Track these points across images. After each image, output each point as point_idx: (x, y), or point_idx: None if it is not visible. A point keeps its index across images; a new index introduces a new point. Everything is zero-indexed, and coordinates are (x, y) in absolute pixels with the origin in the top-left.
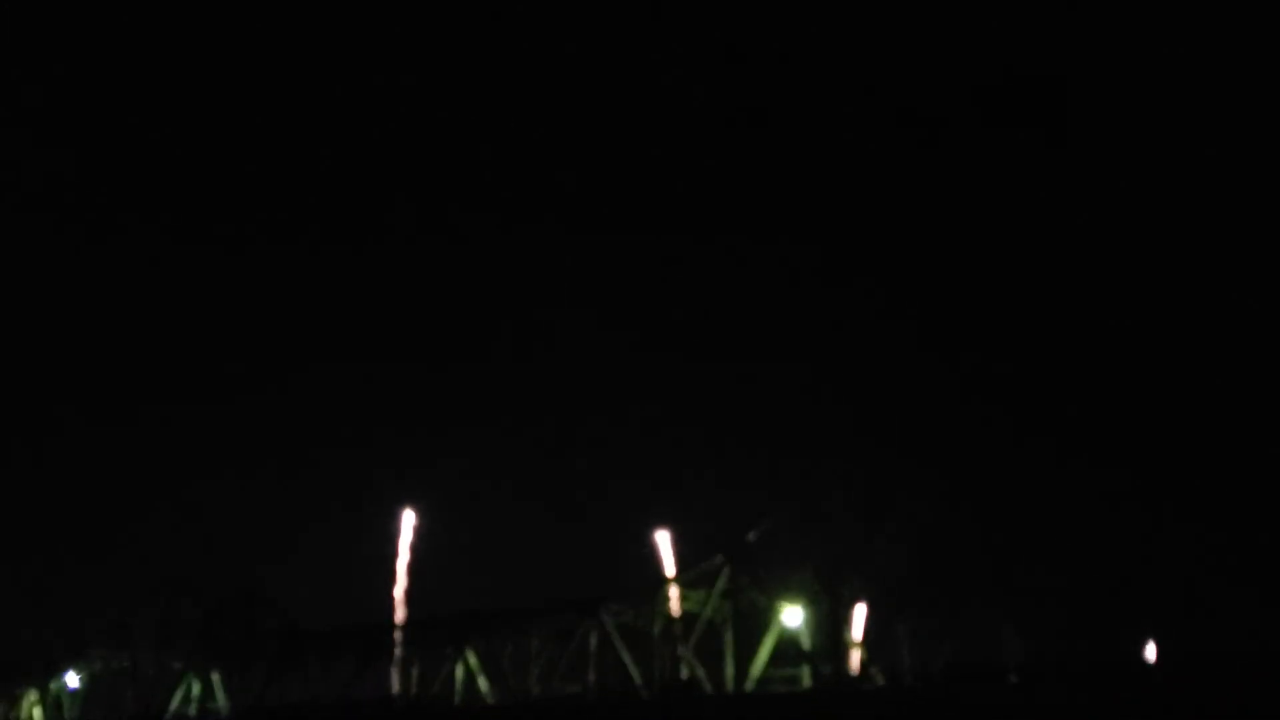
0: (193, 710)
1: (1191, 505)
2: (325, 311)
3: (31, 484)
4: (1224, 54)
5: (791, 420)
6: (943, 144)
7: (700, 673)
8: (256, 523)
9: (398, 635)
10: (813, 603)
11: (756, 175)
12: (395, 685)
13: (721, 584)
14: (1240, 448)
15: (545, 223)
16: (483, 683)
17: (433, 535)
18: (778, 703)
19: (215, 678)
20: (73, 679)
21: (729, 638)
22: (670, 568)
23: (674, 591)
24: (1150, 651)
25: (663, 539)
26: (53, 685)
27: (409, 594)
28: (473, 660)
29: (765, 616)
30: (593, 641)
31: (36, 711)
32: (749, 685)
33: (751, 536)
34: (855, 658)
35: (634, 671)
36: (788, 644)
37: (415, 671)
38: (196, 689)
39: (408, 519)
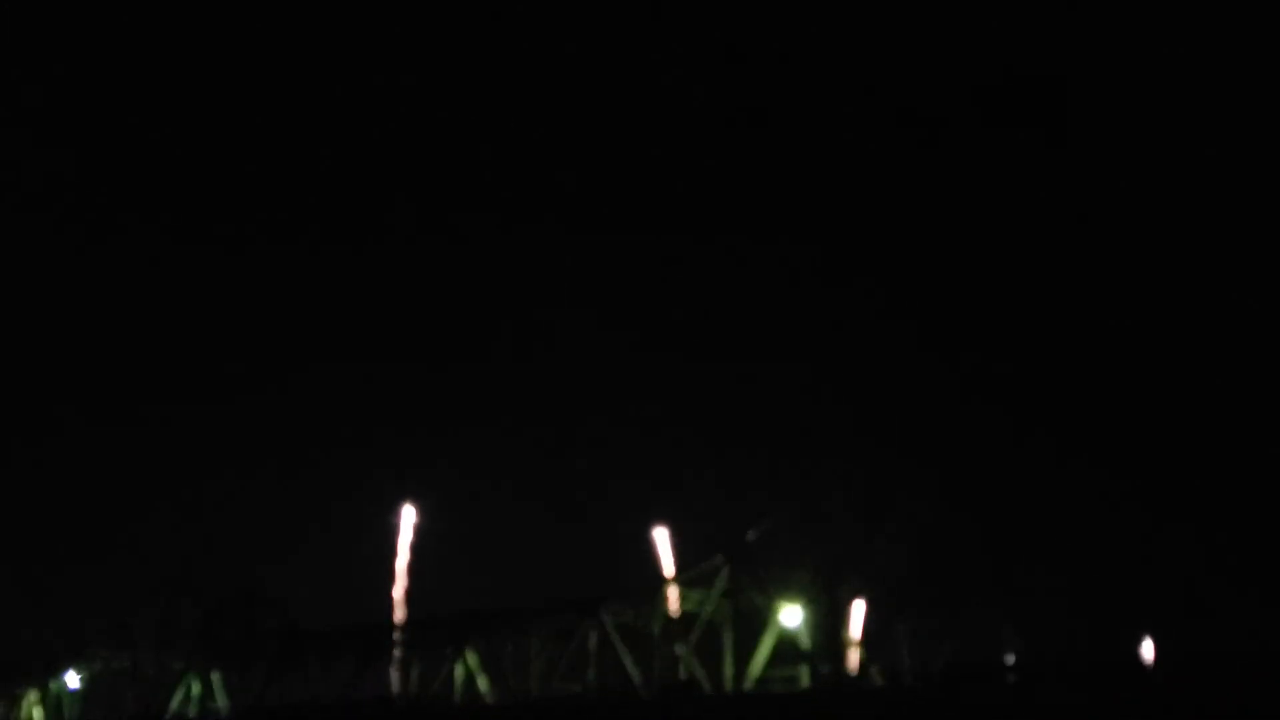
0: (193, 710)
1: (1191, 505)
2: (325, 311)
3: (31, 484)
4: (1224, 54)
5: (791, 420)
6: (943, 144)
7: (700, 672)
8: (256, 523)
9: (398, 635)
10: (812, 602)
11: (756, 175)
12: (395, 685)
13: (721, 584)
14: (1240, 448)
15: (545, 223)
16: (483, 682)
17: (433, 535)
18: (777, 702)
19: (216, 678)
20: (73, 679)
21: (728, 637)
22: (670, 567)
23: (673, 591)
24: (1147, 649)
25: (661, 537)
26: (53, 685)
27: (409, 594)
28: (473, 660)
29: (764, 616)
30: (593, 641)
31: (37, 711)
32: (748, 685)
33: (751, 536)
34: (854, 657)
35: (634, 671)
36: (787, 644)
37: (415, 671)
38: (197, 689)
39: (408, 514)
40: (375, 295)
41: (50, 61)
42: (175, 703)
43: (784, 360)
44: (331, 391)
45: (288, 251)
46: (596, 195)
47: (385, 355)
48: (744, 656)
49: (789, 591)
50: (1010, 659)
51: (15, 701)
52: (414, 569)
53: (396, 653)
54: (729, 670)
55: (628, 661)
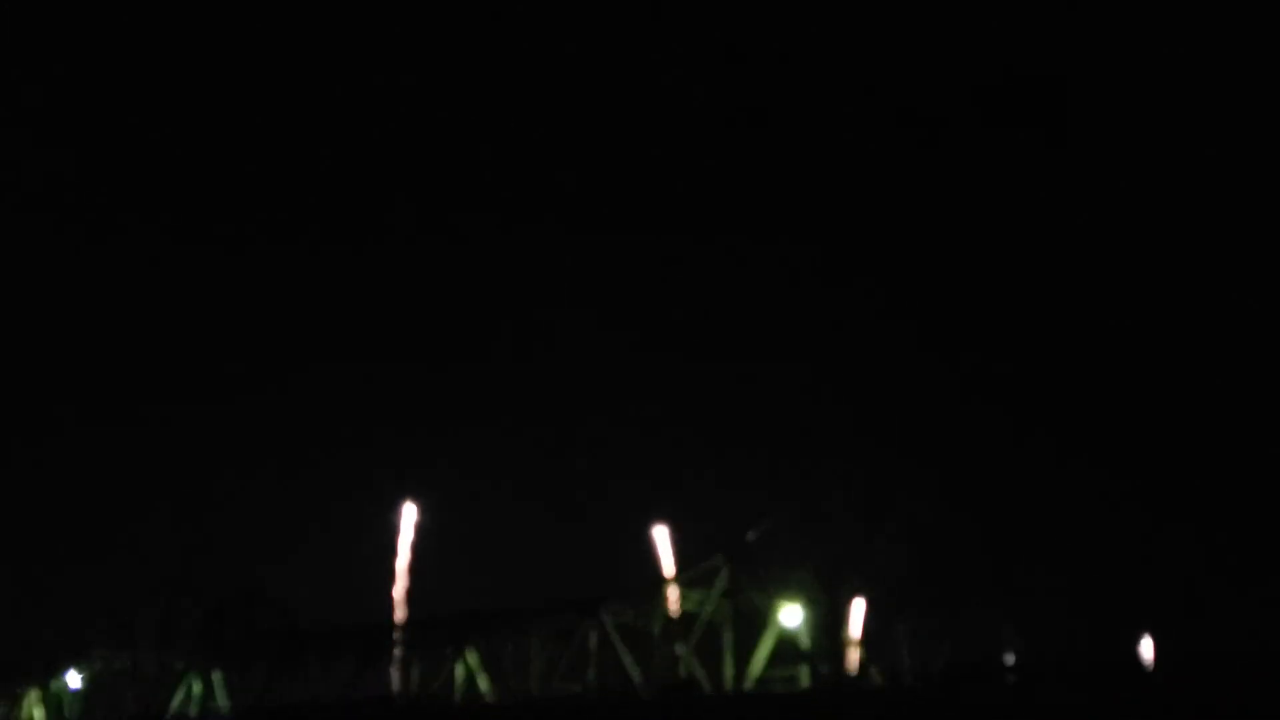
0: (194, 710)
1: (1191, 505)
2: (325, 311)
3: (31, 484)
4: (1224, 54)
5: (791, 420)
6: (943, 144)
7: (700, 672)
8: (256, 523)
9: (398, 635)
10: (812, 602)
11: (756, 175)
12: (395, 685)
13: (721, 584)
14: (1240, 448)
15: (545, 223)
16: (483, 682)
17: (433, 535)
18: (777, 702)
19: (217, 677)
20: (74, 679)
21: (728, 637)
22: (670, 566)
23: (673, 591)
24: (1147, 649)
25: (661, 535)
26: (54, 685)
27: (409, 594)
28: (473, 660)
29: (764, 616)
30: (593, 641)
31: (38, 711)
32: (748, 685)
33: (751, 536)
34: (854, 657)
35: (634, 671)
36: (787, 644)
37: (415, 671)
38: (198, 689)
39: (409, 512)
40: (375, 295)
41: (50, 61)
42: (176, 702)
43: (784, 360)
44: (331, 391)
45: (288, 251)
46: (596, 195)
47: (385, 355)
48: (744, 656)
49: (789, 591)
50: (1010, 659)
51: (16, 701)
52: (414, 569)
53: (397, 653)
54: (729, 670)
55: (628, 661)
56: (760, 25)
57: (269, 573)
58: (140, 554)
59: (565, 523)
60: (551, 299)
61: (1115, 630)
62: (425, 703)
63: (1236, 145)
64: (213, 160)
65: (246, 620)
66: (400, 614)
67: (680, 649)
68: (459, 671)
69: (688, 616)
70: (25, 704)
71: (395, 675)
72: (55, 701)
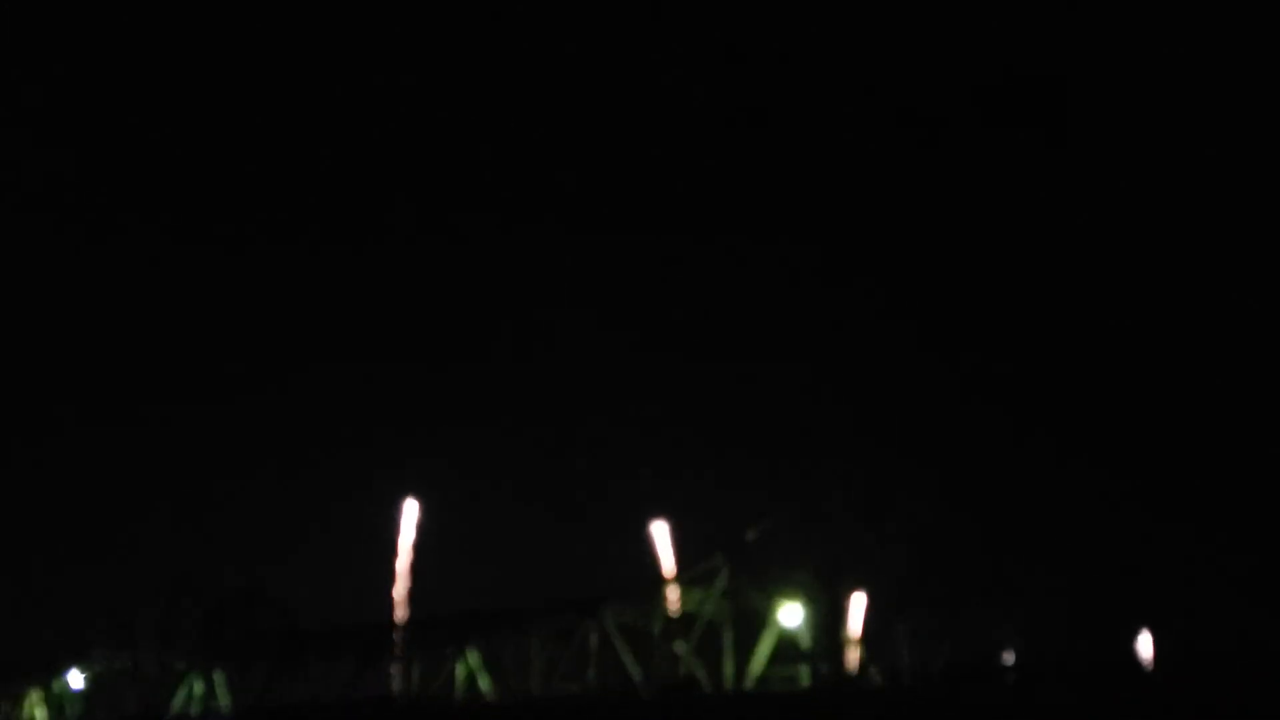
0: (195, 710)
1: (1191, 505)
2: (325, 311)
3: (31, 484)
4: (1224, 54)
5: (791, 420)
6: (943, 144)
7: (700, 672)
8: (257, 523)
9: (398, 635)
10: (812, 602)
11: (756, 175)
12: (396, 685)
13: (721, 583)
14: (1240, 448)
15: (545, 223)
16: (483, 682)
17: (433, 535)
18: (777, 702)
19: (218, 677)
20: (75, 679)
21: (728, 637)
22: (670, 566)
23: (673, 591)
24: (1146, 649)
25: (660, 531)
26: (55, 685)
27: (410, 594)
28: (473, 660)
29: (764, 616)
30: (593, 641)
31: (39, 711)
32: (748, 684)
33: (751, 536)
34: (854, 656)
35: (634, 671)
36: (787, 643)
37: (416, 671)
38: (199, 688)
39: (410, 509)
40: (375, 295)
41: (50, 61)
42: (177, 702)
43: (784, 360)
44: (331, 391)
45: (288, 251)
46: (596, 195)
47: (385, 355)
48: (744, 656)
49: (789, 591)
50: (1010, 658)
51: (17, 701)
52: (415, 568)
53: (397, 653)
54: (729, 670)
55: (628, 661)
56: (760, 25)
57: (269, 573)
58: (140, 554)
59: (565, 523)
60: (551, 299)
61: (1115, 630)
62: (425, 703)
63: (1236, 145)
64: (213, 160)
65: (247, 620)
66: (400, 614)
67: (680, 648)
68: (459, 671)
69: (688, 616)
70: (26, 704)
71: (395, 675)
72: (56, 701)
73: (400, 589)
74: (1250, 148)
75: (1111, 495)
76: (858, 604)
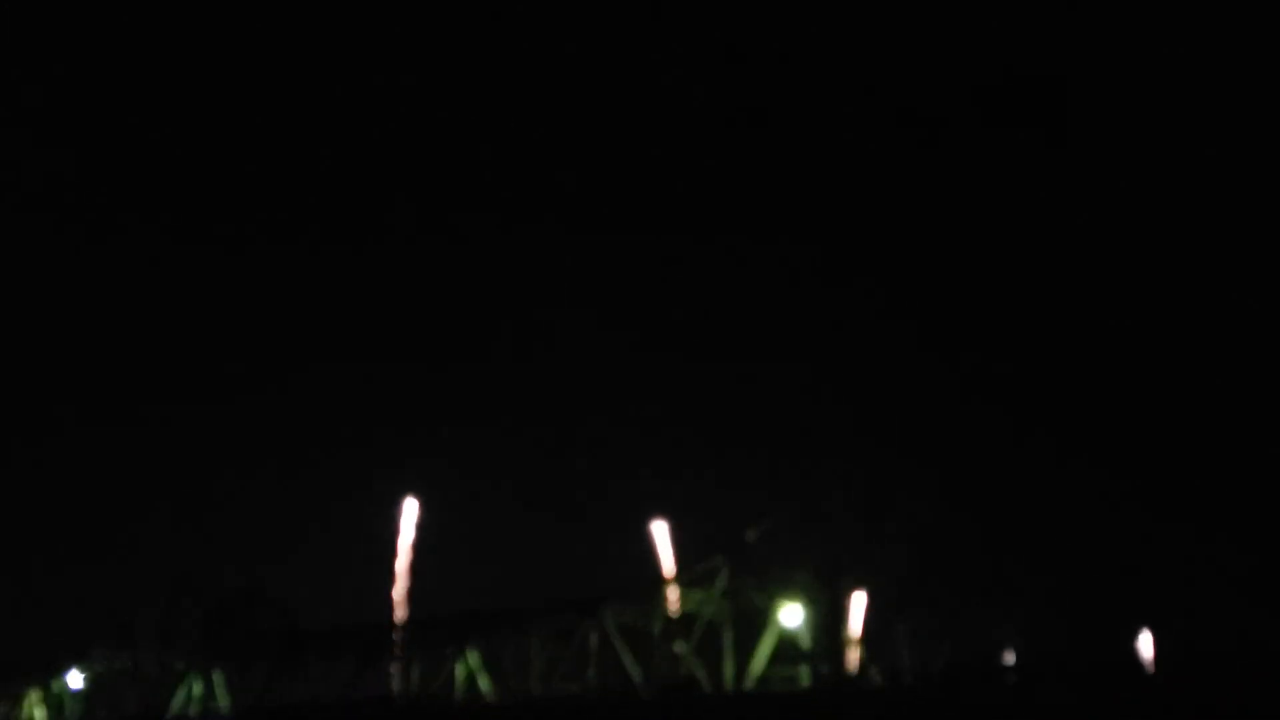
0: (195, 710)
1: (1191, 505)
2: (325, 311)
3: (31, 484)
4: (1224, 54)
5: (791, 420)
6: (943, 144)
7: (700, 672)
8: (256, 523)
9: (398, 635)
10: (812, 602)
11: (756, 175)
12: (396, 685)
13: (721, 584)
14: (1240, 448)
15: (545, 223)
16: (483, 682)
17: (433, 535)
18: (777, 702)
19: (218, 677)
20: (75, 679)
21: (729, 637)
22: (669, 564)
23: (673, 591)
24: (1147, 649)
25: (660, 530)
26: (54, 685)
27: (410, 594)
28: (473, 660)
29: (765, 616)
30: (593, 641)
31: (39, 711)
32: (748, 685)
33: (751, 536)
34: (854, 656)
35: (634, 671)
36: (787, 643)
37: (416, 671)
38: (198, 689)
39: (410, 509)
40: (375, 295)
41: (50, 61)
42: (177, 703)
43: (784, 360)
44: (331, 391)
45: (288, 251)
46: (596, 195)
47: (385, 355)
48: (744, 656)
49: (789, 591)
50: (1010, 659)
51: (17, 701)
52: (415, 568)
53: (397, 652)
54: (729, 670)
55: (628, 661)
56: (760, 25)
57: (269, 573)
58: (140, 554)
59: (565, 523)
60: (551, 299)
61: (1115, 630)
62: (425, 703)
63: (1237, 145)
64: (213, 160)
65: (247, 620)
66: (400, 614)
67: (680, 649)
68: (459, 672)
69: (688, 616)
70: (26, 704)
71: (395, 675)
72: (56, 702)
73: (400, 589)
74: (1250, 148)
75: (1111, 495)
76: (858, 604)
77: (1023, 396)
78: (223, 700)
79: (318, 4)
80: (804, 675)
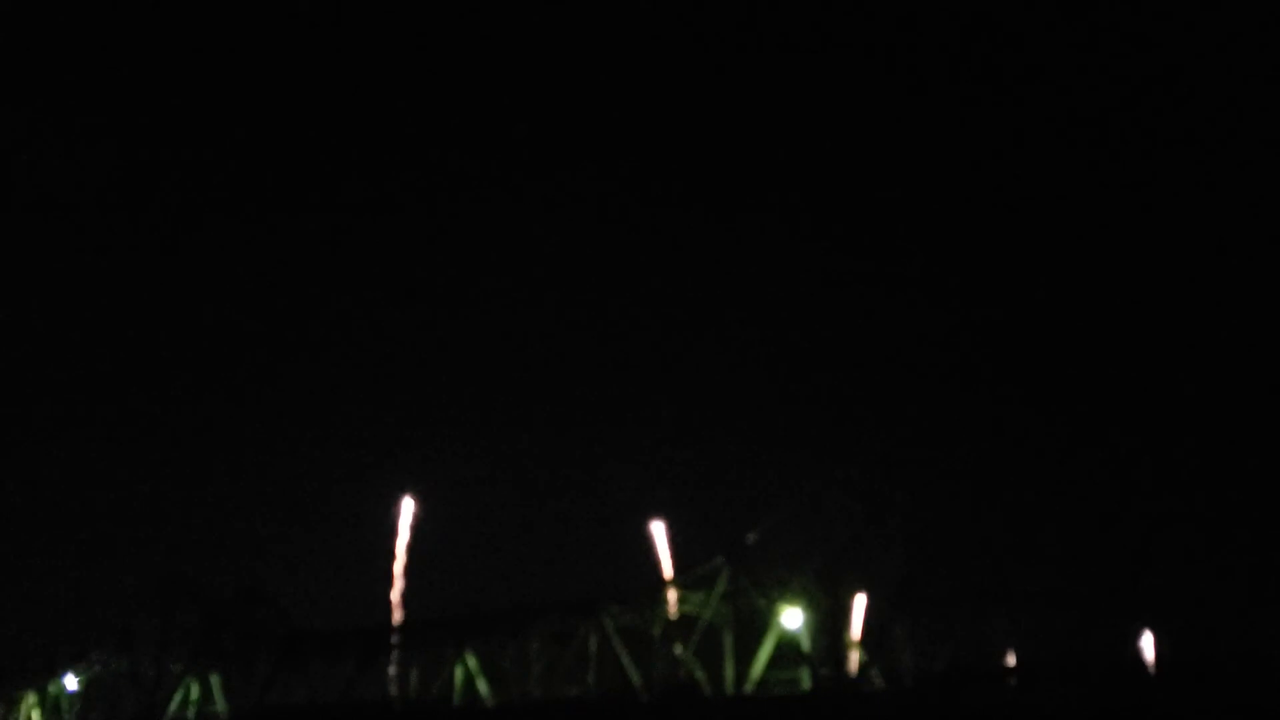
0: (191, 713)
1: (1191, 505)
2: (325, 311)
3: (31, 484)
4: (1224, 54)
5: (791, 420)
6: (944, 142)
7: (700, 675)
8: (255, 525)
9: (396, 637)
10: (813, 605)
11: (759, 174)
12: (394, 687)
13: (721, 586)
14: (1240, 448)
15: (543, 220)
16: (482, 684)
17: (432, 536)
18: (777, 704)
19: (214, 680)
20: (71, 681)
21: (728, 640)
22: (668, 566)
23: (673, 594)
24: (1147, 649)
25: (658, 531)
26: (51, 687)
27: (409, 595)
28: (472, 662)
29: (765, 618)
30: (592, 643)
31: (35, 714)
32: (748, 687)
33: (751, 538)
34: (854, 659)
35: (634, 673)
36: (787, 646)
37: (415, 673)
38: (195, 692)
39: (408, 509)
40: (375, 295)
41: (52, 61)
42: (174, 705)
43: (784, 360)
44: (331, 392)
45: (287, 251)
46: (597, 194)
47: (385, 355)
48: (744, 659)
49: (790, 594)
50: (1011, 660)
51: (14, 704)
52: (414, 570)
53: (395, 654)
54: (729, 672)
55: (628, 664)
56: (760, 25)
57: (268, 575)
58: (138, 556)
59: (565, 523)
60: (552, 298)
61: (1115, 631)
62: (423, 706)
63: (1236, 145)
64: (212, 160)
65: (245, 623)
66: (398, 616)
67: (680, 651)
68: (458, 674)
69: (688, 619)
70: (23, 706)
71: (393, 678)
72: (53, 704)
73: (397, 592)
74: (1250, 147)
75: (1112, 497)
76: (858, 606)
77: (1023, 397)
78: (220, 703)
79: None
80: (805, 678)
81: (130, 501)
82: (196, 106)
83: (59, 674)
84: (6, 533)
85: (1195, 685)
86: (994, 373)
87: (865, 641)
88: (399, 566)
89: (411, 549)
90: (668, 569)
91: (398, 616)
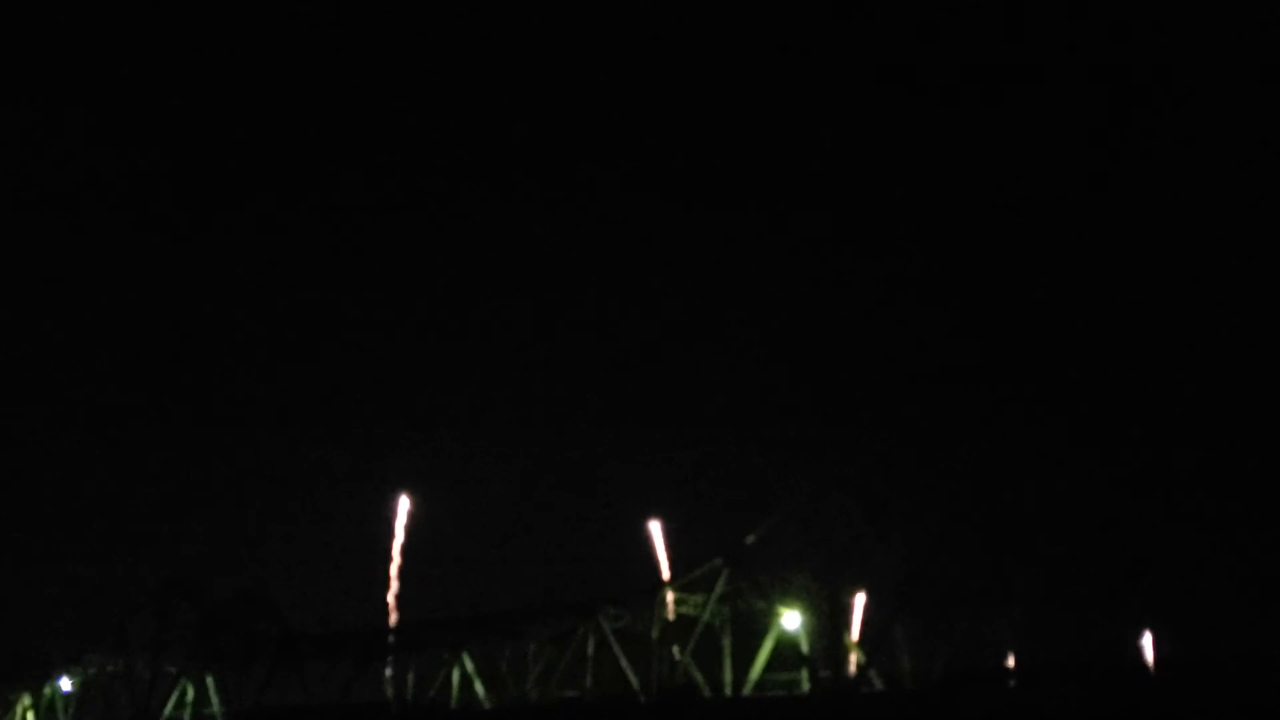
0: (187, 715)
1: (1191, 505)
2: (325, 311)
3: (27, 485)
4: (1224, 54)
5: (791, 421)
6: (947, 139)
7: (698, 677)
8: (253, 526)
9: (393, 639)
10: (812, 606)
11: (762, 171)
12: (391, 689)
13: (720, 587)
14: (1241, 448)
15: (545, 224)
16: (479, 687)
17: (430, 537)
18: (776, 707)
19: (210, 682)
20: (66, 683)
21: (727, 642)
22: (666, 567)
23: (671, 595)
24: (1148, 650)
25: (656, 531)
26: (46, 689)
27: (405, 597)
28: (469, 664)
29: (764, 620)
30: (590, 645)
31: (30, 716)
32: (747, 689)
33: (750, 539)
34: (853, 660)
35: (631, 676)
36: (786, 648)
37: (411, 676)
38: (191, 693)
39: (405, 509)
40: (375, 294)
41: (55, 61)
42: (169, 707)
43: (784, 360)
44: (331, 393)
45: (287, 251)
46: (600, 191)
47: (385, 355)
48: (743, 661)
49: (788, 595)
50: (1010, 662)
51: (8, 705)
52: (411, 571)
53: (392, 657)
54: (728, 675)
55: (626, 666)
56: (760, 25)
57: (264, 575)
58: (134, 557)
59: (564, 524)
60: (552, 298)
61: (1115, 633)
62: (420, 709)
63: (1236, 145)
64: (212, 160)
65: (241, 624)
66: (395, 618)
67: (679, 653)
68: (455, 676)
69: (686, 620)
70: (17, 708)
71: (390, 681)
72: (47, 705)
73: (393, 594)
74: (1250, 147)
75: (1112, 497)
76: (857, 607)
77: (1023, 396)
78: (216, 705)
79: (318, 4)
80: (803, 680)
81: (126, 502)
82: (197, 106)
83: (54, 675)
84: (5, 533)
85: (1195, 685)
86: (994, 373)
87: (864, 643)
88: (395, 567)
89: (408, 550)
90: (666, 570)
91: (394, 618)
